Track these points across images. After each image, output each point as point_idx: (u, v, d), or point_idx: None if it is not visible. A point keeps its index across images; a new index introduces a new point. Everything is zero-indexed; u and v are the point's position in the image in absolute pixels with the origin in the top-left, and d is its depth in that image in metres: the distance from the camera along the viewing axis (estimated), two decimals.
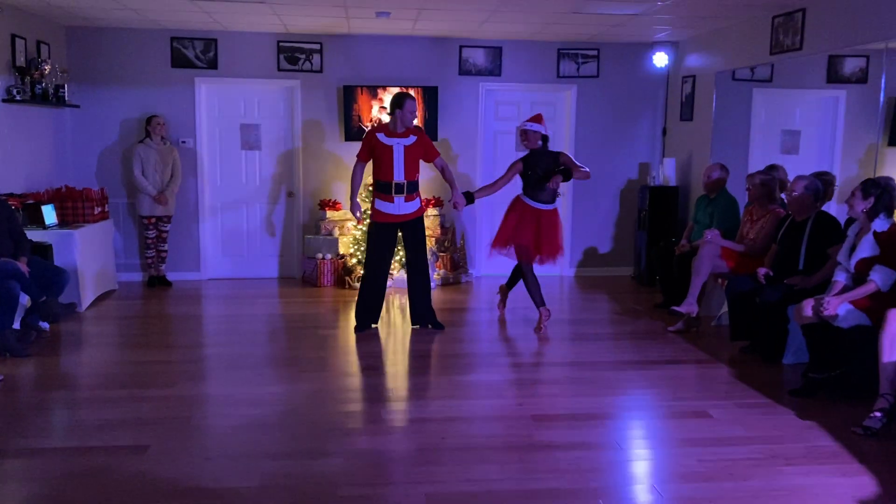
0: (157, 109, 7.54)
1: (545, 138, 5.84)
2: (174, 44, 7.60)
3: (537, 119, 5.86)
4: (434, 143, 7.85)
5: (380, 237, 5.71)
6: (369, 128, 7.61)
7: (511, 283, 6.34)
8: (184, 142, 7.71)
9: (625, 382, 4.68)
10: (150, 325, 6.06)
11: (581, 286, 7.90)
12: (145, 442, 3.64)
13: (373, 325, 5.84)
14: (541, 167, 5.78)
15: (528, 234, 5.82)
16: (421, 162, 5.71)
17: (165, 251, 7.61)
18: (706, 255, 5.71)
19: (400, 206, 5.63)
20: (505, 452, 3.56)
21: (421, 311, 5.91)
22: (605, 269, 8.40)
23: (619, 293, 7.50)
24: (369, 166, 5.79)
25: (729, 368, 4.99)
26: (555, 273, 8.38)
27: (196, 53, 7.64)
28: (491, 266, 8.36)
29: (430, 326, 5.92)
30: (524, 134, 5.81)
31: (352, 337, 5.67)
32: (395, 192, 5.58)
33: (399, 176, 5.58)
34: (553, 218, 5.92)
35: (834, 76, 7.28)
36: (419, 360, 5.19)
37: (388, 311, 6.66)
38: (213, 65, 7.67)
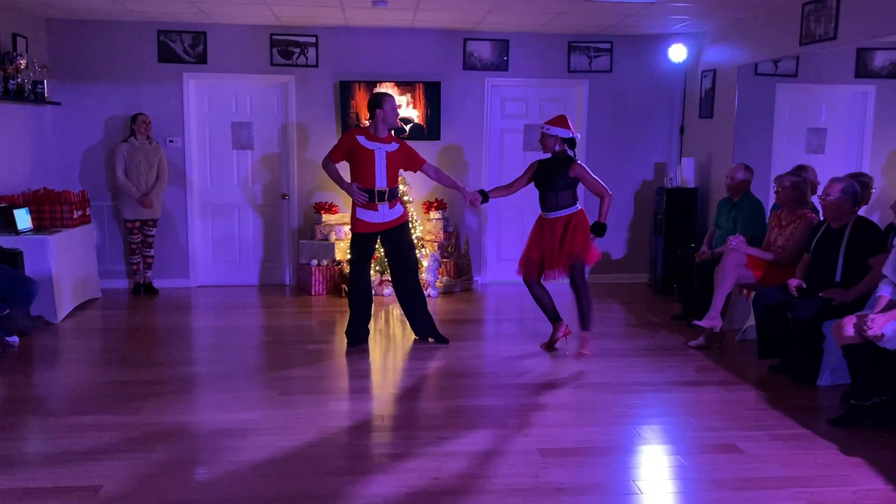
0: (143, 107, 7.11)
1: (570, 142, 5.15)
2: (161, 37, 7.17)
3: (557, 121, 5.13)
4: (436, 141, 7.47)
5: (363, 248, 5.28)
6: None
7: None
8: (171, 141, 7.28)
9: (642, 409, 4.20)
10: (128, 338, 5.63)
11: (593, 294, 7.38)
12: (97, 481, 3.20)
13: (363, 343, 5.40)
14: (548, 175, 5.17)
15: (534, 248, 5.28)
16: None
17: (152, 257, 7.18)
18: (731, 264, 5.23)
19: (384, 214, 5.20)
20: (507, 497, 3.10)
21: (420, 321, 5.46)
22: (619, 275, 7.91)
23: (633, 302, 7.01)
24: None
25: (758, 391, 4.49)
26: (566, 280, 7.88)
27: (184, 47, 7.21)
28: (498, 272, 7.90)
29: (431, 340, 5.46)
30: (541, 136, 5.22)
31: (343, 353, 5.21)
32: (379, 200, 5.16)
33: (382, 183, 5.14)
34: (557, 226, 5.16)
35: (863, 70, 6.78)
36: (415, 380, 4.72)
37: (386, 322, 6.21)
38: (202, 59, 7.23)
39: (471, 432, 3.79)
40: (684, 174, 7.26)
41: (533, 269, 5.25)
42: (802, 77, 7.00)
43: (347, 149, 5.19)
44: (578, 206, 5.18)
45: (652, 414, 4.12)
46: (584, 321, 5.23)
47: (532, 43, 7.52)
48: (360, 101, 7.28)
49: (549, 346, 5.35)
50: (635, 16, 6.59)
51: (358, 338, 5.33)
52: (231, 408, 4.11)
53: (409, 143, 5.45)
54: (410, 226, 5.78)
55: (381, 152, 5.13)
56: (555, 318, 5.36)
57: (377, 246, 5.58)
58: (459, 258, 7.51)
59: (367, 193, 5.14)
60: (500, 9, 6.34)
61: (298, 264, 7.42)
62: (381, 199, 5.16)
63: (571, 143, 5.15)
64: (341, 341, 5.43)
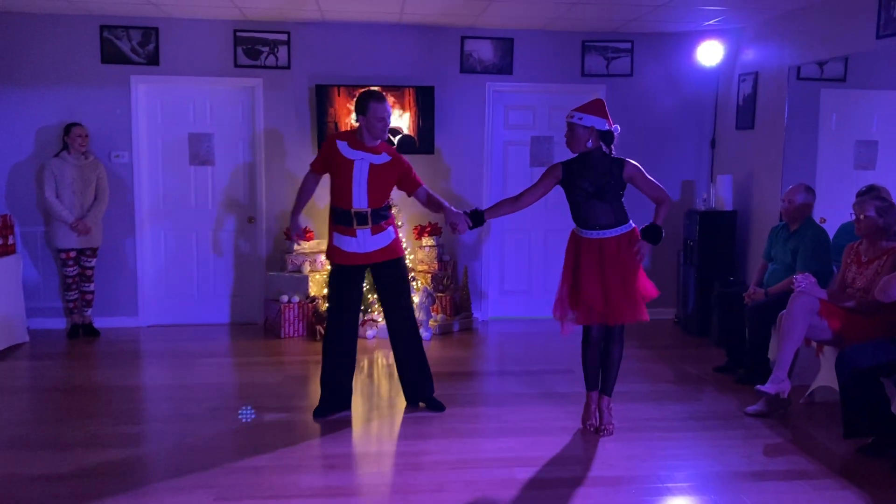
0: (81, 115, 6.00)
1: (606, 136, 3.86)
2: (105, 34, 6.07)
3: (591, 108, 3.85)
4: (430, 156, 6.37)
5: (342, 284, 4.20)
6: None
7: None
8: (117, 156, 6.16)
9: None
10: (39, 405, 4.47)
11: None
12: None
13: (342, 411, 4.29)
14: (589, 179, 3.88)
15: (591, 281, 3.89)
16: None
17: (91, 292, 6.04)
18: (800, 312, 4.14)
19: (365, 242, 4.12)
20: None
21: (412, 381, 4.37)
22: None
23: (661, 346, 5.92)
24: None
25: (855, 489, 3.39)
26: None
27: (132, 46, 6.11)
28: (500, 306, 6.81)
29: (422, 405, 4.36)
30: (569, 129, 3.90)
31: (312, 427, 4.09)
32: (358, 224, 4.08)
33: (360, 202, 4.07)
34: (611, 248, 3.90)
35: None
36: (404, 474, 3.59)
37: (370, 374, 5.10)
38: (153, 60, 6.13)
39: None
40: (720, 194, 6.20)
41: (595, 316, 3.95)
42: (851, 82, 5.98)
43: (325, 157, 4.14)
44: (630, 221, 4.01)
45: None
46: (611, 384, 4.12)
47: (540, 42, 6.46)
48: (340, 107, 6.18)
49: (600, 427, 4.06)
50: (661, 8, 5.55)
51: (330, 405, 4.23)
52: None
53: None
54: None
55: (362, 163, 4.07)
56: (594, 385, 4.17)
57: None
58: (457, 292, 6.41)
59: (342, 214, 4.08)
60: (502, 1, 5.29)
61: (266, 301, 6.30)
62: (362, 223, 4.08)
63: (608, 137, 3.89)
64: (310, 406, 4.31)
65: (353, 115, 4.38)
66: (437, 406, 4.33)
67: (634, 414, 4.32)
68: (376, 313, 5.99)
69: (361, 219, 4.08)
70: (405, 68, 6.34)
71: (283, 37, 6.22)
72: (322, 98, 6.17)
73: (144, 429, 4.05)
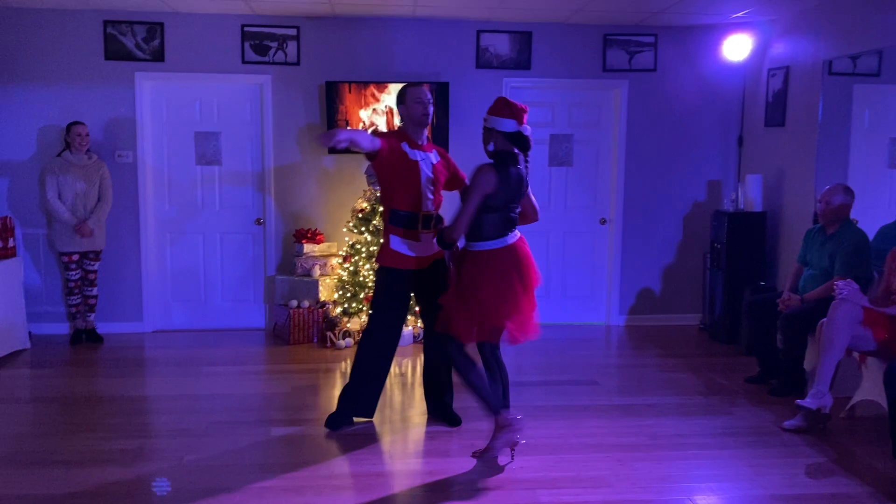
0: (85, 114, 5.79)
1: (515, 139, 3.54)
2: (108, 29, 5.86)
3: (492, 107, 3.60)
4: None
5: (396, 292, 3.98)
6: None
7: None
8: (121, 155, 5.95)
9: None
10: (36, 417, 4.25)
11: (634, 341, 6.05)
12: None
13: (362, 420, 4.07)
14: (511, 189, 3.56)
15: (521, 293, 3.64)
16: None
17: (95, 297, 5.84)
18: (843, 321, 3.87)
19: (427, 245, 3.94)
20: None
21: (440, 393, 4.15)
22: (665, 316, 6.54)
23: (688, 354, 5.64)
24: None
25: None
26: (599, 322, 6.55)
27: (137, 42, 5.91)
28: None
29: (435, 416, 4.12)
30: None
31: (320, 443, 3.86)
32: (423, 227, 3.90)
33: (429, 204, 3.90)
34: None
35: None
36: (419, 497, 3.35)
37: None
38: (158, 56, 5.92)
39: None
40: (749, 195, 5.91)
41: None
42: (887, 77, 5.67)
43: (391, 152, 3.84)
44: None
45: None
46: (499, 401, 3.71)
47: (560, 36, 6.20)
48: (351, 105, 5.95)
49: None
50: (685, 1, 5.28)
51: (353, 411, 4.04)
52: None
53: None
54: None
55: (425, 164, 3.90)
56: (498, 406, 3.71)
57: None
58: None
59: (408, 218, 3.87)
60: None
61: (274, 306, 6.07)
62: (427, 226, 3.90)
63: (518, 139, 3.56)
64: (320, 419, 4.07)
65: (395, 112, 4.18)
66: (453, 419, 4.08)
67: (664, 429, 4.05)
68: None
69: (427, 222, 3.90)
70: (418, 64, 6.10)
71: (293, 31, 5.99)
72: (332, 95, 5.93)
73: (144, 444, 3.82)
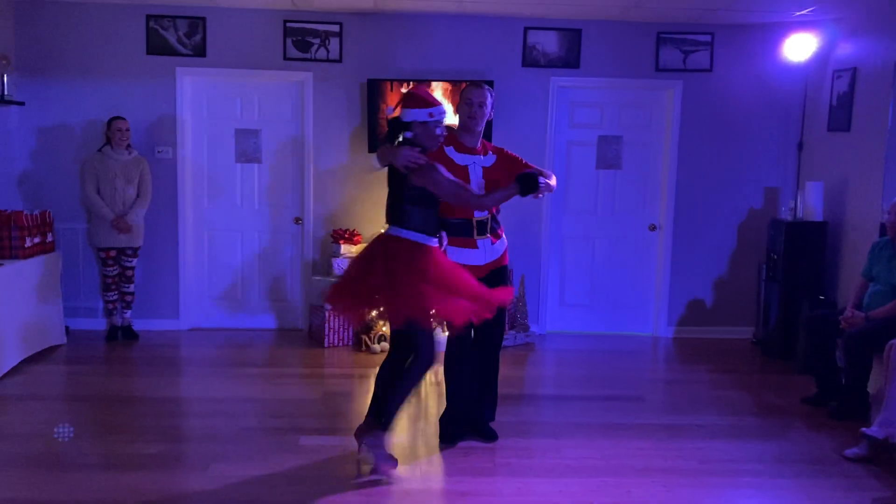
0: (126, 109, 5.74)
1: (393, 127, 3.45)
2: (151, 24, 5.82)
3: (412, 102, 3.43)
4: None
5: None
6: None
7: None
8: (160, 151, 5.90)
9: None
10: (63, 417, 4.12)
11: (682, 354, 5.78)
12: None
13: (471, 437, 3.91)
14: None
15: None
16: None
17: (131, 294, 5.79)
18: None
19: (486, 252, 3.78)
20: None
21: (482, 400, 3.95)
22: (715, 328, 6.23)
23: (739, 370, 5.35)
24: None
25: None
26: (646, 333, 6.28)
27: (179, 36, 5.85)
28: (560, 320, 6.33)
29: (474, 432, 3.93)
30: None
31: (348, 454, 3.69)
32: (479, 234, 3.73)
33: (480, 210, 3.71)
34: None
35: None
36: None
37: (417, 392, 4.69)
38: (200, 52, 5.86)
39: None
40: (809, 203, 5.58)
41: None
42: None
43: (436, 160, 3.71)
44: None
45: None
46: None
47: (611, 33, 5.95)
48: (392, 103, 5.78)
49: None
50: None
51: (456, 430, 3.88)
52: None
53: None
54: None
55: (475, 167, 3.73)
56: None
57: None
58: (512, 304, 5.94)
59: (460, 225, 3.71)
60: None
61: (311, 307, 5.95)
62: (482, 232, 3.74)
63: (392, 127, 3.48)
64: (351, 429, 3.91)
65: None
66: (490, 435, 3.89)
67: (714, 453, 3.80)
68: None
69: (482, 227, 3.75)
70: (463, 61, 5.91)
71: (335, 28, 5.87)
72: (374, 93, 5.78)
73: (170, 450, 3.71)
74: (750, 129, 6.10)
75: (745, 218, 6.16)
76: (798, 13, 5.53)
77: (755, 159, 6.12)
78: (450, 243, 3.74)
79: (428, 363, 3.42)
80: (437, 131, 3.42)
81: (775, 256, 5.66)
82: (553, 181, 3.60)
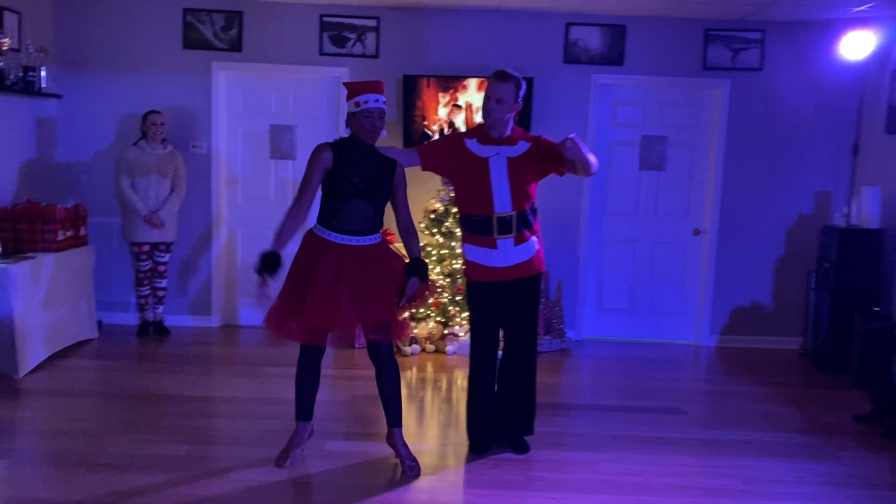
0: (162, 103, 5.71)
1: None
2: (187, 17, 5.77)
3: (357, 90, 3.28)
4: None
5: (480, 306, 3.66)
6: (438, 132, 5.62)
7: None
8: (195, 146, 5.85)
9: None
10: (88, 413, 4.09)
11: (726, 364, 5.54)
12: None
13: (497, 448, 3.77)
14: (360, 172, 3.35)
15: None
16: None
17: (164, 289, 5.76)
18: None
19: (506, 254, 3.54)
20: None
21: (510, 418, 3.77)
22: (761, 338, 5.98)
23: (787, 383, 5.10)
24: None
25: None
26: (688, 341, 6.05)
27: (215, 31, 5.79)
28: (597, 326, 6.13)
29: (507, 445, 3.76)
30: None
31: (376, 462, 3.57)
32: (499, 233, 3.51)
33: (503, 205, 3.49)
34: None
35: None
36: None
37: (447, 398, 4.55)
38: (236, 46, 5.79)
39: None
40: (865, 209, 5.31)
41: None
42: None
43: (447, 153, 3.60)
44: None
45: None
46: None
47: (656, 30, 5.74)
48: (429, 100, 5.66)
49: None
50: None
51: (485, 438, 3.75)
52: None
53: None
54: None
55: (498, 159, 3.50)
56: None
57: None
58: (547, 307, 5.77)
59: (479, 223, 3.53)
60: None
61: None
62: (503, 231, 3.51)
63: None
64: (379, 434, 3.79)
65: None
66: (521, 447, 3.72)
67: (760, 473, 3.58)
68: (457, 326, 5.45)
69: (504, 225, 3.51)
70: (502, 58, 5.74)
71: (373, 23, 5.75)
72: (410, 90, 5.66)
73: (191, 451, 3.62)
74: (801, 130, 5.83)
75: (795, 223, 5.89)
76: (856, 9, 5.26)
77: (806, 162, 5.85)
78: (467, 241, 3.60)
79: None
80: (367, 124, 3.24)
81: (827, 265, 5.39)
82: (593, 158, 3.43)
